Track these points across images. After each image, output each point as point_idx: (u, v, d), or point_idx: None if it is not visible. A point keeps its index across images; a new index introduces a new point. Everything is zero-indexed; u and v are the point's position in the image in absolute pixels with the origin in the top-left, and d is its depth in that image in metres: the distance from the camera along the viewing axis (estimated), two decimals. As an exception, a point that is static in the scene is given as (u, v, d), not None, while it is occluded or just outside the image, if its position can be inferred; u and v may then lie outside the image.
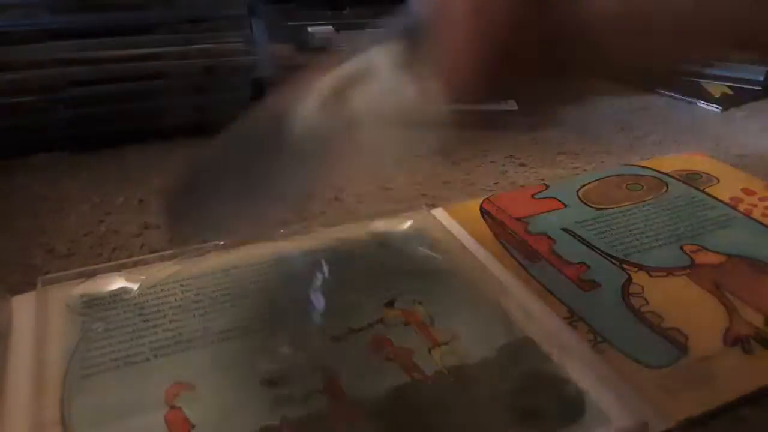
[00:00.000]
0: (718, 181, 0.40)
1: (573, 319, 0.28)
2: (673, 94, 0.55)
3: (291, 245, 0.32)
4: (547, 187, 0.39)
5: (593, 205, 0.37)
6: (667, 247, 0.33)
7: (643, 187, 0.39)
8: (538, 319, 0.27)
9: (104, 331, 0.26)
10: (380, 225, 0.34)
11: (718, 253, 0.33)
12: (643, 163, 0.43)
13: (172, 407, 0.23)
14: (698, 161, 0.43)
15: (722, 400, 0.24)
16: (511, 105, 0.48)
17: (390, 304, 0.28)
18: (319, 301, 0.28)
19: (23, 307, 0.27)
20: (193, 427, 0.22)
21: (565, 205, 0.37)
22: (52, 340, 0.25)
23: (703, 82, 0.56)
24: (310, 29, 0.47)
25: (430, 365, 0.25)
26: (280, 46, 0.47)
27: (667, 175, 0.41)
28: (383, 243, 0.33)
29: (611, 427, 0.22)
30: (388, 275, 0.30)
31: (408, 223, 0.34)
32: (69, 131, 0.42)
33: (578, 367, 0.25)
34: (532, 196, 0.38)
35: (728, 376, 0.25)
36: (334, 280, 0.30)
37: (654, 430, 0.22)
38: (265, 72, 0.46)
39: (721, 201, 0.38)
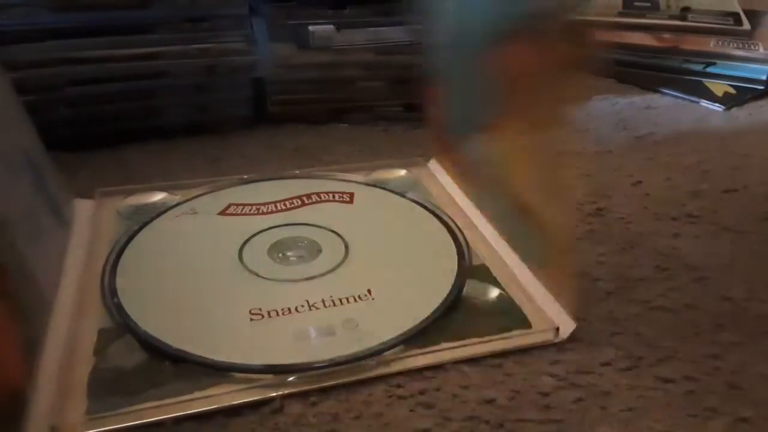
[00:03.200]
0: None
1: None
2: (675, 94, 0.56)
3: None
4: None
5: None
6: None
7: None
8: (495, 250, 0.33)
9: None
10: (381, 173, 0.40)
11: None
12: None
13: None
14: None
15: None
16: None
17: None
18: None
19: (84, 210, 0.34)
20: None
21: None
22: (103, 235, 0.33)
23: (706, 81, 0.57)
24: (310, 28, 0.46)
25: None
26: (281, 45, 0.47)
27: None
28: (381, 186, 0.39)
29: (531, 329, 0.28)
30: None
31: (403, 172, 0.40)
32: (69, 130, 0.42)
33: (516, 284, 0.30)
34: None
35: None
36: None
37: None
38: (266, 71, 0.46)
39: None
